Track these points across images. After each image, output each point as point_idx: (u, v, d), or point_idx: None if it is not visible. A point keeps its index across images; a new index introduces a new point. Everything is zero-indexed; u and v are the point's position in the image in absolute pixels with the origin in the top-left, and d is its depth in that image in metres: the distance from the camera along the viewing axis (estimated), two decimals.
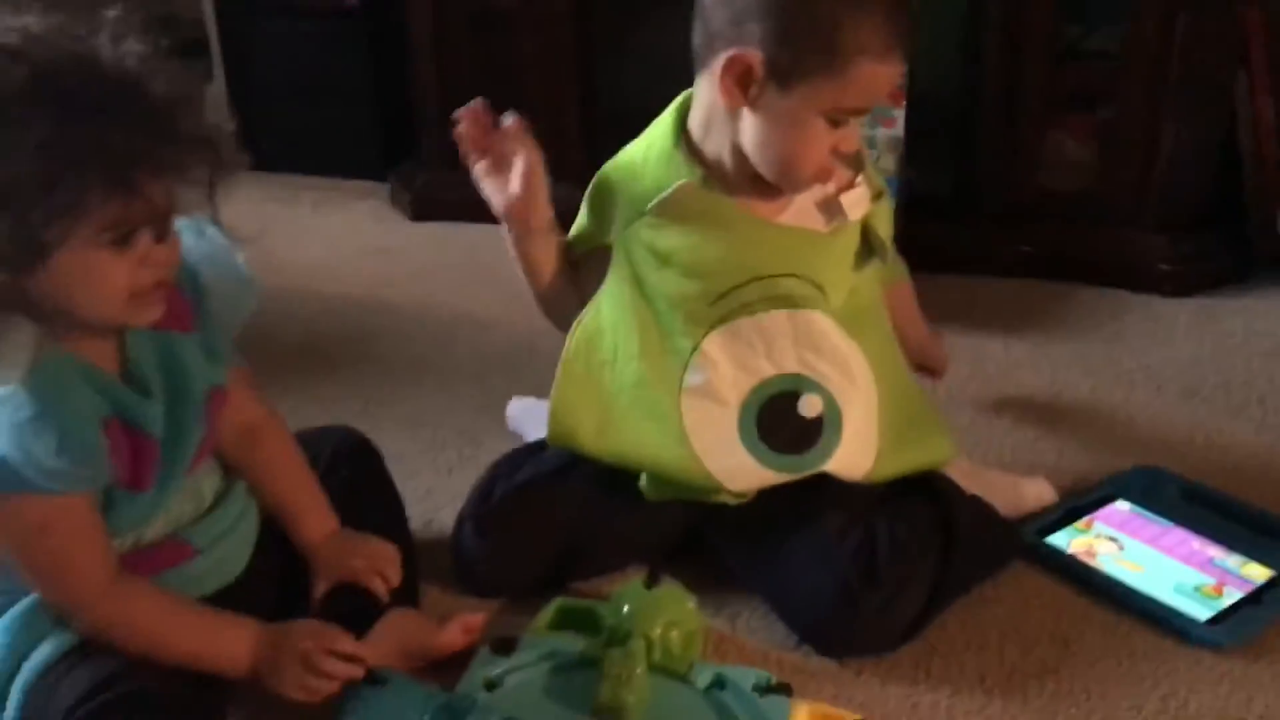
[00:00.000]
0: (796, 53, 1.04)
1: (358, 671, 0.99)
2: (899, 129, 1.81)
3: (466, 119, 1.14)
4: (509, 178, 1.14)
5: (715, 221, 1.13)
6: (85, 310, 0.89)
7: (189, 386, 0.99)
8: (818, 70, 1.05)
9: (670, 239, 1.14)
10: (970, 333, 1.68)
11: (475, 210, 2.04)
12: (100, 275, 0.87)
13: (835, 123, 1.08)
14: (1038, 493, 1.30)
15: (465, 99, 2.02)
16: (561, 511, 1.20)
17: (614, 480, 1.19)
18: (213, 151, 0.89)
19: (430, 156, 2.11)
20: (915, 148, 1.81)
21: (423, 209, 2.11)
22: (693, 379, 1.15)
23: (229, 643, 0.98)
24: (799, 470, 1.15)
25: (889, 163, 1.77)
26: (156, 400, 0.97)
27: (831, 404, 1.15)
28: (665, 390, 1.16)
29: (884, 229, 1.21)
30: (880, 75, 1.07)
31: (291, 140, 2.18)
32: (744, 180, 1.13)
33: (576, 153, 1.98)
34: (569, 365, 1.19)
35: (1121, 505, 1.29)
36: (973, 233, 1.87)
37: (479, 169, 1.16)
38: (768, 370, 1.15)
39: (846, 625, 1.10)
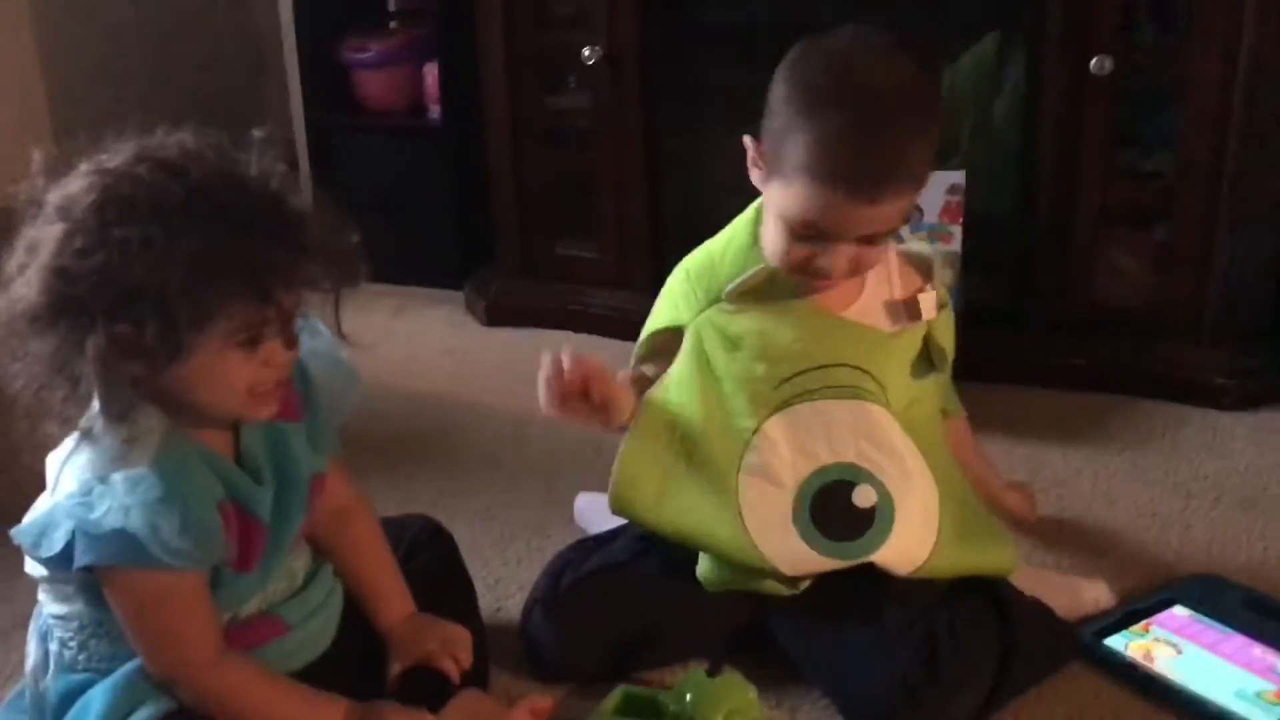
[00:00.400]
0: (769, 151, 1.13)
1: None
2: (956, 245, 1.87)
3: (552, 372, 1.15)
4: (588, 412, 1.16)
5: (784, 309, 1.19)
6: (208, 403, 0.97)
7: (296, 474, 1.06)
8: (775, 174, 1.12)
9: (742, 324, 1.20)
10: (1026, 443, 1.71)
11: (546, 317, 2.17)
12: (227, 373, 0.95)
13: (797, 236, 1.13)
14: (1095, 595, 1.31)
15: (540, 211, 2.16)
16: (627, 599, 1.23)
17: (680, 571, 1.23)
18: (340, 264, 0.97)
19: (504, 265, 2.21)
20: (973, 260, 1.87)
21: (496, 315, 2.20)
22: (751, 459, 1.19)
23: (323, 718, 1.03)
24: (848, 558, 1.18)
25: (946, 277, 1.83)
26: (268, 487, 1.03)
27: (885, 497, 1.19)
28: (725, 468, 1.20)
29: (945, 341, 1.26)
30: (824, 202, 1.08)
31: (374, 250, 2.28)
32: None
33: (644, 261, 2.07)
34: (635, 435, 1.23)
35: (1180, 611, 1.30)
36: (1029, 345, 1.91)
37: (552, 410, 1.16)
38: (825, 457, 1.19)
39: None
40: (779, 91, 1.11)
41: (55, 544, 0.94)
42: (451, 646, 1.14)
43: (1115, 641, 1.25)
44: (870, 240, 1.13)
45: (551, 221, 2.18)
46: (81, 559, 0.94)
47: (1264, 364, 1.83)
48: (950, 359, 1.27)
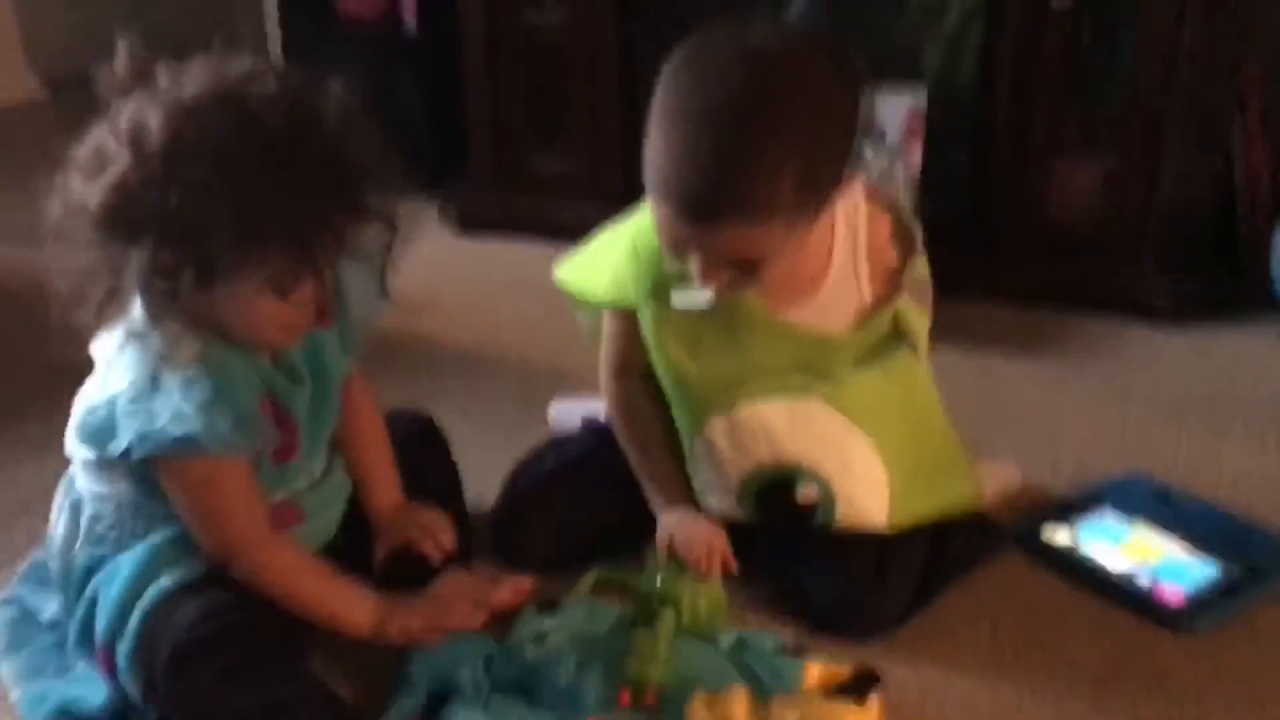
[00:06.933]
0: None
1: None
2: (915, 163, 1.94)
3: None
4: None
5: (734, 317, 1.17)
6: (234, 332, 1.02)
7: (329, 376, 1.13)
8: None
9: (688, 326, 1.19)
10: (975, 353, 1.80)
11: (516, 226, 2.22)
12: (257, 313, 1.00)
13: (666, 245, 1.08)
14: (1007, 474, 1.44)
15: (514, 123, 2.20)
16: (585, 496, 1.30)
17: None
18: (389, 226, 1.02)
19: (477, 176, 2.26)
20: (932, 179, 1.94)
21: (469, 224, 2.25)
22: (697, 450, 1.24)
23: (356, 607, 1.10)
24: None
25: (905, 195, 1.90)
26: (304, 386, 1.10)
27: (826, 491, 1.21)
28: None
29: (917, 324, 1.21)
30: (663, 218, 1.04)
31: None
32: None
33: (616, 173, 2.13)
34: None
35: (1108, 506, 1.41)
36: (982, 262, 1.99)
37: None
38: (766, 458, 1.20)
39: (851, 616, 1.21)
40: (655, 94, 1.06)
41: (120, 446, 1.00)
42: (432, 531, 1.21)
43: (1048, 532, 1.36)
44: (740, 265, 1.06)
45: (525, 133, 2.22)
46: (140, 451, 1.00)
47: (1200, 284, 1.93)
48: (924, 337, 1.23)
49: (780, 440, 1.20)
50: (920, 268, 1.20)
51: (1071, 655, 1.20)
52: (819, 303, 1.19)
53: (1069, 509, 1.40)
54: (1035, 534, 1.36)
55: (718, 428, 1.21)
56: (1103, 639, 1.22)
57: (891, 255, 1.20)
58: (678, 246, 1.07)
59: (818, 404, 1.19)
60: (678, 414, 1.25)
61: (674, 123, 1.01)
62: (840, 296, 1.19)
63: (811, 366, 1.19)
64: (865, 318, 1.18)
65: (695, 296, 1.14)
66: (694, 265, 1.07)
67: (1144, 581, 1.28)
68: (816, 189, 1.04)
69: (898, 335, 1.21)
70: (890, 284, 1.19)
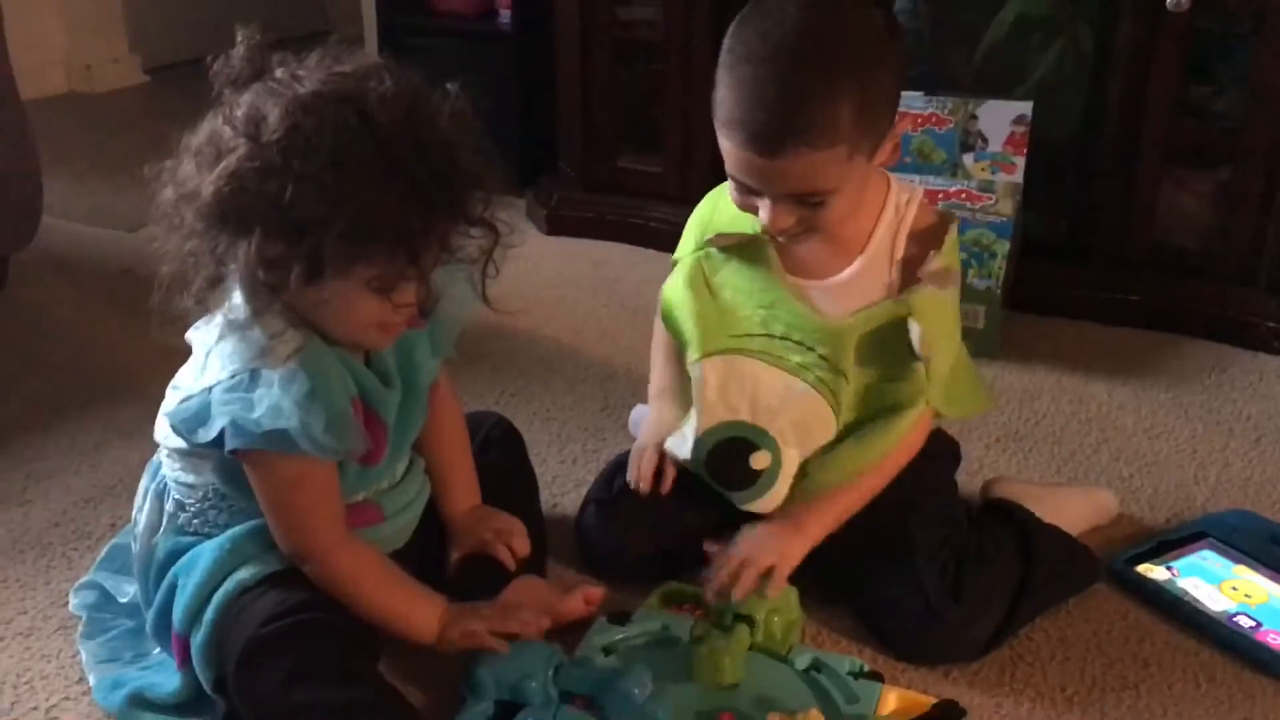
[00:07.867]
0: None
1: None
2: (1018, 175, 1.88)
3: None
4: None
5: (758, 274, 1.22)
6: (331, 330, 1.02)
7: (419, 380, 1.12)
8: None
9: (721, 276, 1.24)
10: (1074, 375, 1.74)
11: (605, 228, 2.20)
12: (357, 311, 1.00)
13: (737, 187, 1.14)
14: (1104, 500, 1.39)
15: (604, 123, 2.18)
16: (676, 501, 1.28)
17: None
18: (492, 232, 1.01)
19: (567, 175, 2.25)
20: (1034, 192, 1.88)
21: (556, 224, 2.24)
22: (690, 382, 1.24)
23: (423, 614, 1.09)
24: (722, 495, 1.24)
25: (1007, 207, 1.84)
26: (395, 390, 1.09)
27: (776, 462, 1.21)
28: None
29: (930, 320, 1.17)
30: (733, 153, 1.10)
31: None
32: (791, 245, 1.19)
33: (706, 178, 2.08)
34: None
35: (1211, 543, 1.34)
36: (1084, 279, 1.93)
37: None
38: (744, 414, 1.22)
39: (929, 640, 1.17)
40: (722, 48, 1.12)
41: (211, 433, 1.00)
42: (506, 536, 1.21)
43: (1146, 568, 1.30)
44: (806, 201, 1.11)
45: (615, 133, 2.21)
46: (232, 443, 1.00)
47: None
48: (928, 344, 1.17)
49: (767, 403, 1.21)
50: (943, 260, 1.20)
51: (1165, 699, 1.14)
52: (843, 281, 1.21)
53: (1167, 543, 1.34)
54: (1130, 567, 1.30)
55: (713, 366, 1.22)
56: (1200, 684, 1.16)
57: (935, 241, 1.21)
58: (748, 187, 1.12)
59: (811, 393, 1.20)
60: (690, 352, 1.25)
61: (739, 65, 1.09)
62: (865, 283, 1.21)
63: (810, 340, 1.20)
64: (872, 304, 1.20)
65: (730, 234, 1.23)
66: (762, 211, 1.13)
67: (1246, 625, 1.22)
68: (873, 120, 1.10)
69: (909, 374, 1.19)
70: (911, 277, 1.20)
